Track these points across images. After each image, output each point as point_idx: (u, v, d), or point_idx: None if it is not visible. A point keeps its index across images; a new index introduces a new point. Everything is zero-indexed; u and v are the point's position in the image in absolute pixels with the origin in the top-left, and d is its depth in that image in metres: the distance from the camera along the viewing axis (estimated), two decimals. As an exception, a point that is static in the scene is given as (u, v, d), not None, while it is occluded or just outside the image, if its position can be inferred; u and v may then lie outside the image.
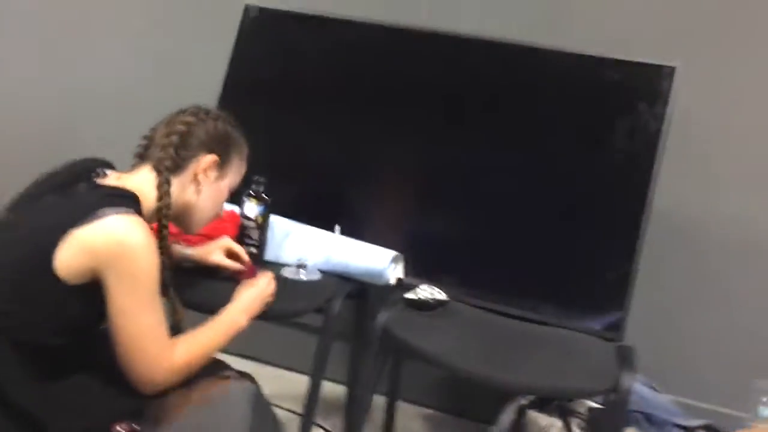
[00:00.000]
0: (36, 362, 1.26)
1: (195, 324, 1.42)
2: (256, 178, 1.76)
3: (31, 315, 1.24)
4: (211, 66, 2.12)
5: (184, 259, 1.65)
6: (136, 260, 1.23)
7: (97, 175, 1.37)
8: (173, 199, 1.40)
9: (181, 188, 1.43)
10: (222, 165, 1.47)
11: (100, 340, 1.30)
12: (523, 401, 2.01)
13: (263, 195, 1.77)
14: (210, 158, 1.44)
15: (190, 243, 1.71)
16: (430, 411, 2.34)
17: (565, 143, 1.86)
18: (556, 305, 1.77)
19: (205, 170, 1.44)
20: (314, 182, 2.02)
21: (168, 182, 1.39)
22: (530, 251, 1.85)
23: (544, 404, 2.01)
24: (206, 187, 1.46)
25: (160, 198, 1.38)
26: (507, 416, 2.00)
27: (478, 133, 1.94)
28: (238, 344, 2.38)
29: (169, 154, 1.40)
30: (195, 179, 1.44)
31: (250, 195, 1.77)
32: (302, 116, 2.06)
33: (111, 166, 1.44)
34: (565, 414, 1.97)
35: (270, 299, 1.54)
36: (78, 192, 1.31)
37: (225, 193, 1.51)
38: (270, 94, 2.10)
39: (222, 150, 1.46)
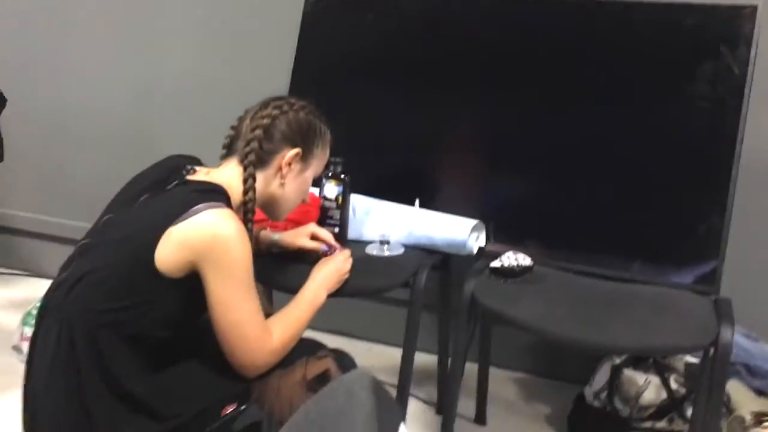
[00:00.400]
0: (146, 354, 1.33)
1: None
2: (333, 159, 1.78)
3: (138, 310, 1.30)
4: (279, 53, 2.15)
5: (273, 244, 1.70)
6: (230, 251, 1.28)
7: (187, 172, 1.43)
8: (259, 192, 1.45)
9: (265, 181, 1.47)
10: (304, 157, 1.50)
11: (203, 330, 1.36)
12: (617, 360, 1.99)
13: (341, 175, 1.80)
14: (293, 152, 1.47)
15: (278, 228, 1.76)
16: (522, 375, 2.35)
17: (646, 95, 1.80)
18: (647, 262, 1.74)
19: (288, 163, 1.47)
20: (391, 158, 2.04)
21: (253, 177, 1.43)
22: (616, 208, 1.82)
23: (638, 362, 1.99)
24: (290, 178, 1.49)
25: (245, 192, 1.43)
26: (601, 376, 1.99)
27: (556, 93, 1.91)
28: (331, 321, 2.48)
29: (254, 148, 1.44)
30: (279, 172, 1.47)
31: (328, 176, 1.80)
32: (372, 94, 2.07)
33: (199, 162, 1.50)
34: (661, 370, 1.94)
35: (346, 275, 1.58)
36: (171, 190, 1.37)
37: (309, 182, 1.55)
38: (338, 75, 2.12)
39: (304, 142, 1.49)
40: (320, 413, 0.45)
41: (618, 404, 1.96)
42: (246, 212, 1.45)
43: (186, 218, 1.27)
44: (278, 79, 2.08)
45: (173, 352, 1.39)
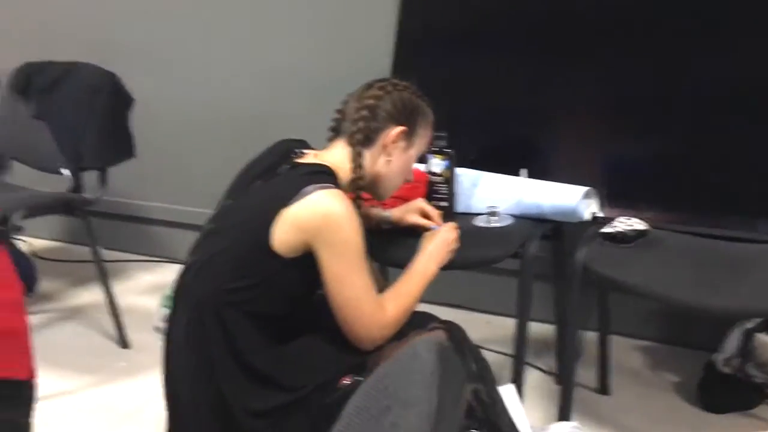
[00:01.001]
0: (269, 329, 1.42)
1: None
2: (437, 133, 1.80)
3: (259, 289, 1.39)
4: (381, 36, 2.18)
5: (384, 221, 1.74)
6: (341, 229, 1.34)
7: (296, 156, 1.50)
8: (366, 171, 1.50)
9: (372, 160, 1.51)
10: (409, 135, 1.53)
11: (320, 305, 1.43)
12: (749, 325, 1.89)
13: (446, 149, 1.81)
14: (398, 129, 1.51)
15: (387, 206, 1.80)
16: (646, 343, 2.28)
17: (761, 44, 1.69)
18: (773, 220, 1.64)
19: (393, 141, 1.51)
20: (496, 129, 2.02)
21: (360, 155, 1.48)
22: (737, 162, 1.72)
23: (770, 325, 1.89)
24: (395, 157, 1.53)
25: (353, 170, 1.48)
26: (732, 342, 1.90)
27: (666, 50, 1.82)
28: (449, 295, 2.50)
29: (360, 127, 1.49)
30: (385, 150, 1.51)
31: (433, 151, 1.82)
32: (473, 66, 2.06)
33: (307, 145, 1.56)
34: (798, 334, 1.83)
35: (454, 246, 1.59)
36: (282, 174, 1.45)
37: (413, 161, 1.58)
38: (438, 50, 2.12)
39: (409, 120, 1.53)
40: (387, 374, 0.48)
41: (751, 370, 1.87)
42: (355, 189, 1.50)
43: (298, 200, 1.34)
44: (380, 63, 2.12)
45: (293, 328, 1.47)
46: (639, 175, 1.83)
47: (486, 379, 1.24)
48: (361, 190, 1.51)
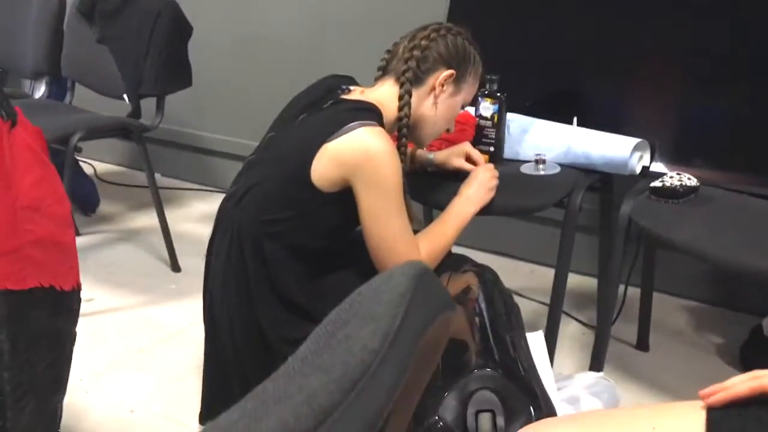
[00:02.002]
0: (307, 262, 1.45)
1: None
2: (489, 76, 1.76)
3: (298, 221, 1.41)
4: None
5: (428, 163, 1.73)
6: (381, 167, 1.34)
7: (342, 92, 1.50)
8: (412, 111, 1.49)
9: (418, 100, 1.50)
10: (458, 80, 1.51)
11: (356, 242, 1.45)
12: (802, 291, 1.83)
13: (497, 93, 1.77)
14: (448, 72, 1.48)
15: (433, 147, 1.79)
16: (693, 303, 2.23)
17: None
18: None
19: (442, 84, 1.49)
20: (548, 76, 1.97)
21: (409, 93, 1.47)
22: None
23: (827, 294, 1.82)
24: (441, 100, 1.51)
25: (400, 108, 1.47)
26: (782, 307, 1.85)
27: (725, 4, 1.72)
28: (494, 242, 2.50)
29: (410, 66, 1.47)
30: (432, 92, 1.49)
31: (484, 94, 1.78)
32: (529, 12, 2.00)
33: (354, 82, 1.56)
34: None
35: (493, 185, 1.57)
36: (326, 109, 1.44)
37: (458, 109, 1.56)
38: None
39: (459, 65, 1.50)
40: (359, 293, 0.49)
41: (799, 338, 1.82)
42: (401, 128, 1.49)
43: (339, 135, 1.34)
44: (436, 7, 2.08)
45: (330, 262, 1.50)
46: (694, 130, 1.76)
47: (513, 324, 1.24)
48: (406, 129, 1.49)
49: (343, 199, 1.38)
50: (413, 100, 1.49)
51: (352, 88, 1.52)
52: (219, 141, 3.06)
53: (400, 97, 1.47)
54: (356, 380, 0.36)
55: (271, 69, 2.83)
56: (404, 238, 1.40)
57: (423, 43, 1.48)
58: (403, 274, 0.47)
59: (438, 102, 1.51)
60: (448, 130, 1.60)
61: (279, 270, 1.43)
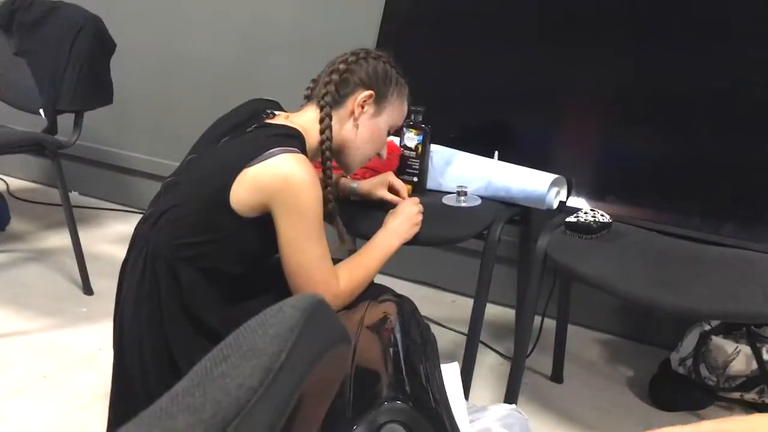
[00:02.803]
0: (223, 288, 1.41)
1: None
2: (414, 108, 1.78)
3: (215, 245, 1.38)
4: (372, 5, 2.16)
5: (352, 192, 1.73)
6: (300, 195, 1.32)
7: (267, 116, 1.48)
8: (334, 134, 1.48)
9: (340, 124, 1.50)
10: (378, 100, 1.50)
11: (277, 269, 1.42)
12: (707, 326, 1.90)
13: (422, 124, 1.79)
14: (366, 93, 1.49)
15: (357, 176, 1.79)
16: (606, 336, 2.29)
17: (743, 34, 1.67)
18: (740, 224, 1.64)
19: (361, 105, 1.49)
20: (471, 109, 2.01)
21: (329, 116, 1.47)
22: (708, 163, 1.72)
23: (730, 330, 1.89)
24: (363, 122, 1.51)
25: (322, 131, 1.47)
26: (689, 342, 1.91)
27: (638, 40, 1.81)
28: (416, 271, 2.51)
29: (330, 90, 1.47)
30: (352, 115, 1.49)
31: (409, 125, 1.80)
32: (455, 46, 2.04)
33: (279, 107, 1.55)
34: (754, 340, 1.84)
35: (418, 219, 1.58)
36: (249, 132, 1.43)
37: (383, 132, 1.55)
38: (423, 27, 2.10)
39: (378, 86, 1.50)
40: (246, 326, 0.47)
41: (704, 372, 1.88)
42: (323, 151, 1.48)
43: (260, 161, 1.32)
44: (366, 33, 2.10)
45: (248, 288, 1.47)
46: (608, 167, 1.83)
47: (428, 355, 1.24)
48: (329, 153, 1.48)
49: (262, 225, 1.36)
50: (334, 123, 1.49)
51: (276, 113, 1.51)
52: (140, 160, 2.98)
53: (321, 120, 1.47)
54: (229, 420, 0.34)
55: (196, 89, 2.79)
56: (321, 266, 1.39)
57: (342, 67, 1.49)
58: (293, 307, 0.46)
59: (359, 124, 1.50)
60: (379, 156, 1.59)
61: (193, 294, 1.39)
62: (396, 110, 1.55)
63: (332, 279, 1.40)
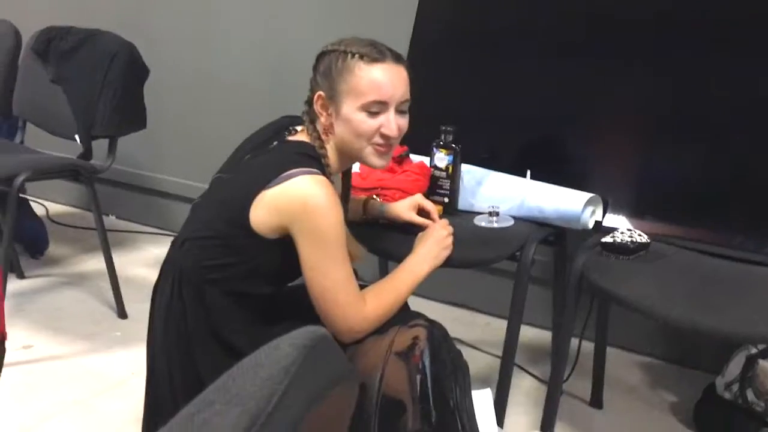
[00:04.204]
0: (249, 308, 1.40)
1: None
2: (444, 128, 1.76)
3: (238, 267, 1.36)
4: (399, 25, 2.15)
5: (380, 215, 1.69)
6: (319, 218, 1.29)
7: (289, 133, 1.46)
8: (329, 148, 1.41)
9: (326, 133, 1.42)
10: (331, 96, 1.39)
11: (303, 291, 1.40)
12: (754, 349, 1.82)
13: (452, 144, 1.77)
14: (316, 97, 1.40)
15: (387, 198, 1.77)
16: (647, 359, 2.21)
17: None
18: (784, 244, 1.57)
19: (321, 111, 1.40)
20: (503, 128, 1.97)
21: (318, 135, 1.41)
22: (747, 184, 1.66)
23: (777, 353, 1.81)
24: (337, 123, 1.40)
25: (320, 149, 1.40)
26: (735, 366, 1.83)
27: (679, 56, 1.76)
28: (450, 292, 2.47)
29: (305, 107, 1.44)
30: (321, 122, 1.42)
31: (439, 145, 1.78)
32: (488, 63, 2.01)
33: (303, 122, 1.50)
34: (803, 364, 1.76)
35: (448, 242, 1.53)
36: (270, 151, 1.41)
37: (357, 118, 1.38)
38: (454, 45, 2.08)
39: (325, 83, 1.40)
40: (240, 366, 0.45)
41: (751, 397, 1.80)
42: (326, 165, 1.40)
43: (279, 183, 1.30)
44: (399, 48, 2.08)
45: (278, 310, 1.45)
46: (646, 186, 1.77)
47: (459, 382, 1.20)
48: (330, 170, 1.39)
49: (284, 246, 1.33)
50: (323, 135, 1.42)
51: (299, 128, 1.47)
52: (174, 183, 3.01)
53: (311, 138, 1.41)
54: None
55: (228, 112, 2.81)
56: (346, 289, 1.35)
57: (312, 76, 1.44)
58: (291, 345, 0.44)
59: (334, 127, 1.41)
60: (384, 136, 1.39)
61: (221, 316, 1.38)
62: (354, 89, 1.36)
63: (359, 302, 1.37)
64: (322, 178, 1.32)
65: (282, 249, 1.34)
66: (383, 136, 1.39)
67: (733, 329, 1.32)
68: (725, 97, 1.70)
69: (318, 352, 0.43)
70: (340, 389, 0.44)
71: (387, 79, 1.37)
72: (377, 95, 1.37)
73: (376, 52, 1.38)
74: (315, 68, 1.44)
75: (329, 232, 1.31)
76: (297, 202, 1.29)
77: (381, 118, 1.38)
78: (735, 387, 1.82)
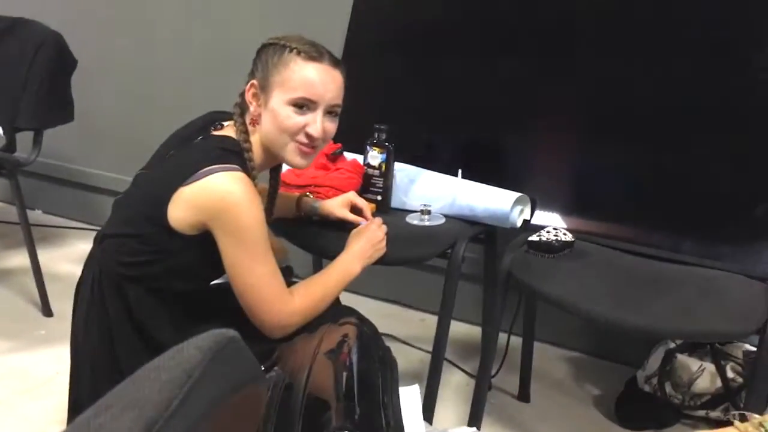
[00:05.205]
0: (170, 305, 1.38)
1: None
2: (377, 126, 1.77)
3: (158, 265, 1.34)
4: (336, 21, 2.15)
5: (313, 212, 1.69)
6: (239, 215, 1.28)
7: (215, 128, 1.44)
8: (254, 141, 1.40)
9: (253, 125, 1.41)
10: (263, 86, 1.38)
11: (228, 289, 1.39)
12: (672, 344, 1.90)
13: (385, 143, 1.78)
14: (249, 84, 1.40)
15: (320, 195, 1.77)
16: (573, 353, 2.28)
17: (706, 60, 1.69)
18: (699, 242, 1.64)
19: (251, 100, 1.40)
20: (435, 127, 2.00)
21: (244, 127, 1.40)
22: (669, 183, 1.73)
23: (694, 348, 1.89)
24: (264, 115, 1.39)
25: (244, 142, 1.38)
26: (654, 360, 1.91)
27: (606, 58, 1.82)
28: (386, 289, 2.48)
29: (237, 102, 1.43)
30: (250, 111, 1.41)
31: (372, 143, 1.79)
32: (420, 62, 2.04)
33: (231, 117, 1.47)
34: (718, 358, 1.84)
35: (382, 243, 1.54)
36: (191, 147, 1.38)
37: (281, 110, 1.37)
38: (388, 44, 2.09)
39: (261, 72, 1.39)
40: (144, 368, 0.45)
41: (669, 390, 1.88)
42: (247, 162, 1.39)
43: (196, 179, 1.28)
44: (331, 49, 2.09)
45: (205, 306, 1.43)
46: (572, 186, 1.83)
47: (386, 379, 1.22)
48: (252, 164, 1.38)
49: (205, 243, 1.32)
50: (249, 127, 1.41)
51: (225, 123, 1.45)
52: (103, 177, 2.93)
53: (238, 132, 1.40)
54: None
55: (160, 106, 2.75)
56: (270, 283, 1.34)
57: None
58: (196, 348, 0.44)
59: (261, 119, 1.40)
60: (309, 135, 1.38)
61: (143, 314, 1.37)
62: (287, 81, 1.36)
63: (284, 295, 1.36)
64: (240, 174, 1.30)
65: (203, 246, 1.32)
66: (307, 135, 1.38)
67: (650, 325, 1.38)
68: (647, 98, 1.77)
69: (224, 356, 0.43)
70: (246, 392, 0.44)
71: (319, 79, 1.38)
72: (307, 92, 1.37)
73: (315, 51, 1.39)
74: (254, 60, 1.43)
75: (249, 229, 1.30)
76: (214, 199, 1.28)
77: (308, 117, 1.38)
78: (654, 380, 1.90)
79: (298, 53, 1.37)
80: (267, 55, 1.39)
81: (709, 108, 1.69)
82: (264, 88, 1.38)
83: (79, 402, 1.43)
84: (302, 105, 1.37)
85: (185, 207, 1.29)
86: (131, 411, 0.38)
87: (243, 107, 1.43)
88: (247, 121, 1.42)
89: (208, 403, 0.40)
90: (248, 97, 1.40)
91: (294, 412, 0.94)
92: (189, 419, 0.38)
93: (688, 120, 1.71)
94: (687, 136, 1.71)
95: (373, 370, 1.18)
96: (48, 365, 1.95)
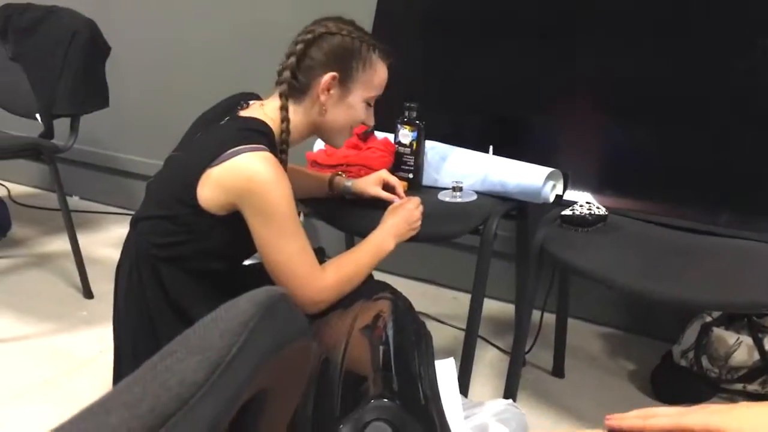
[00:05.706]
0: (209, 283, 1.40)
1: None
2: (408, 104, 1.78)
3: (191, 245, 1.37)
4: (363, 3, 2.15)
5: (346, 191, 1.71)
6: (266, 194, 1.29)
7: (241, 107, 1.46)
8: (300, 122, 1.44)
9: (305, 110, 1.44)
10: (344, 80, 1.43)
11: (262, 268, 1.40)
12: (708, 318, 1.89)
13: (416, 121, 1.78)
14: (328, 76, 1.41)
15: (351, 174, 1.79)
16: (607, 329, 2.28)
17: (742, 30, 1.66)
18: (735, 213, 1.63)
19: (325, 90, 1.42)
20: (466, 105, 2.00)
21: (286, 108, 1.42)
22: (701, 155, 1.71)
23: (731, 321, 1.88)
24: (332, 105, 1.44)
25: (282, 121, 1.42)
26: (690, 334, 1.90)
27: (637, 32, 1.80)
28: (417, 268, 2.50)
29: (287, 78, 1.42)
30: (318, 100, 1.43)
31: (403, 122, 1.79)
32: (451, 40, 2.03)
33: (258, 98, 1.50)
34: (755, 331, 1.82)
35: (417, 223, 1.55)
36: (219, 128, 1.40)
37: (358, 109, 1.47)
38: (419, 22, 2.09)
39: (341, 65, 1.42)
40: (201, 322, 0.47)
41: (706, 364, 1.87)
42: (281, 143, 1.43)
43: (224, 160, 1.29)
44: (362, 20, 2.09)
45: (239, 284, 1.45)
46: (605, 160, 1.82)
47: (422, 353, 1.23)
48: (286, 145, 1.43)
49: (236, 222, 1.33)
50: (300, 110, 1.44)
51: (250, 103, 1.47)
52: (139, 163, 2.98)
53: (279, 111, 1.42)
54: (168, 416, 0.34)
55: (194, 90, 2.77)
56: (301, 260, 1.35)
57: (299, 49, 1.42)
58: (249, 302, 0.46)
59: (328, 108, 1.44)
60: (365, 124, 1.52)
61: (179, 293, 1.39)
62: (369, 81, 1.45)
63: (316, 272, 1.37)
64: (266, 153, 1.31)
65: (233, 225, 1.34)
66: (361, 125, 1.52)
67: (686, 296, 1.37)
68: (680, 73, 1.74)
69: (275, 311, 0.45)
70: (296, 345, 0.46)
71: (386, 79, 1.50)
72: (380, 92, 1.50)
73: (387, 50, 1.48)
74: (312, 45, 1.42)
75: (277, 207, 1.31)
76: (242, 179, 1.29)
77: (369, 110, 1.51)
78: (690, 354, 1.89)
79: (375, 50, 1.46)
80: (351, 54, 1.43)
81: (743, 80, 1.66)
82: (344, 84, 1.44)
83: (123, 378, 1.47)
84: (372, 102, 1.50)
85: (214, 188, 1.31)
86: (196, 355, 0.40)
87: (295, 87, 1.43)
88: (298, 103, 1.44)
89: (263, 353, 0.42)
90: (322, 87, 1.41)
91: (333, 383, 0.96)
92: (247, 366, 0.40)
93: (720, 93, 1.68)
94: (720, 110, 1.69)
95: (409, 344, 1.19)
96: (91, 345, 2.01)
